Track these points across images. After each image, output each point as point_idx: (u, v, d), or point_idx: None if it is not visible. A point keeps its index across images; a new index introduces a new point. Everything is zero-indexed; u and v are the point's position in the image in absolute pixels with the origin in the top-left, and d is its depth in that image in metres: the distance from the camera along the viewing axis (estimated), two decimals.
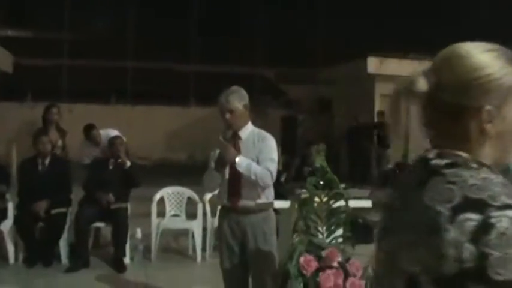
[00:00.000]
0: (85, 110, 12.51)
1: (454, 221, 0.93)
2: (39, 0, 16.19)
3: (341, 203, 3.40)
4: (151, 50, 15.34)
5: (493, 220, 0.91)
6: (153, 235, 5.82)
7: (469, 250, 0.91)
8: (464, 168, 1.01)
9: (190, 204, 6.15)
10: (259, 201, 3.37)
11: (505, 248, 0.89)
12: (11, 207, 5.70)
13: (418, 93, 1.06)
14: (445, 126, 1.07)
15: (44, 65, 14.74)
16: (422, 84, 1.06)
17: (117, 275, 5.34)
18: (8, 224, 5.60)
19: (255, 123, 3.52)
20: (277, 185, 3.72)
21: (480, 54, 1.05)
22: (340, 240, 3.34)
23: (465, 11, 14.47)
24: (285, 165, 7.06)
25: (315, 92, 15.36)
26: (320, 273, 3.05)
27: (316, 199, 3.39)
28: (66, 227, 5.62)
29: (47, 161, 5.70)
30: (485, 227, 0.91)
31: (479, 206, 0.93)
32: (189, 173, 7.37)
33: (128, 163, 5.78)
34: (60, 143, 6.41)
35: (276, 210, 3.77)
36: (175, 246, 6.39)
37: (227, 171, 3.38)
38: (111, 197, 5.58)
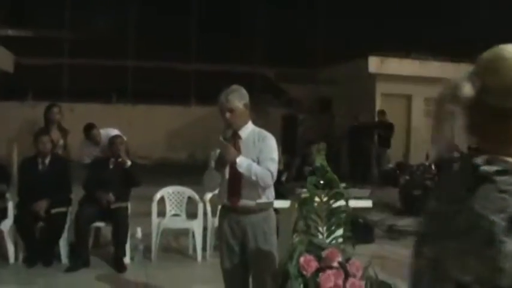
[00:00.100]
0: (86, 109, 12.53)
1: (510, 232, 0.90)
2: None
3: (341, 202, 3.38)
4: (152, 49, 15.33)
5: None
6: (154, 235, 5.82)
7: None
8: None
9: (191, 204, 6.15)
10: (260, 201, 3.37)
11: None
12: (11, 206, 5.69)
13: (463, 98, 1.04)
14: (490, 130, 1.04)
15: (44, 64, 14.74)
16: (467, 89, 1.03)
17: (117, 274, 5.34)
18: (8, 223, 5.60)
19: (255, 123, 3.50)
20: (277, 184, 3.71)
21: None
22: (340, 240, 3.32)
23: (465, 11, 14.45)
24: (285, 164, 7.06)
25: (315, 91, 15.35)
26: (320, 274, 3.04)
27: (317, 199, 3.38)
28: (67, 226, 5.61)
29: (47, 161, 5.69)
30: None
31: None
32: (189, 172, 7.37)
33: (128, 162, 5.77)
34: (61, 142, 6.41)
35: (276, 210, 3.76)
36: (175, 246, 6.39)
37: (227, 170, 3.37)
38: (111, 196, 5.57)
